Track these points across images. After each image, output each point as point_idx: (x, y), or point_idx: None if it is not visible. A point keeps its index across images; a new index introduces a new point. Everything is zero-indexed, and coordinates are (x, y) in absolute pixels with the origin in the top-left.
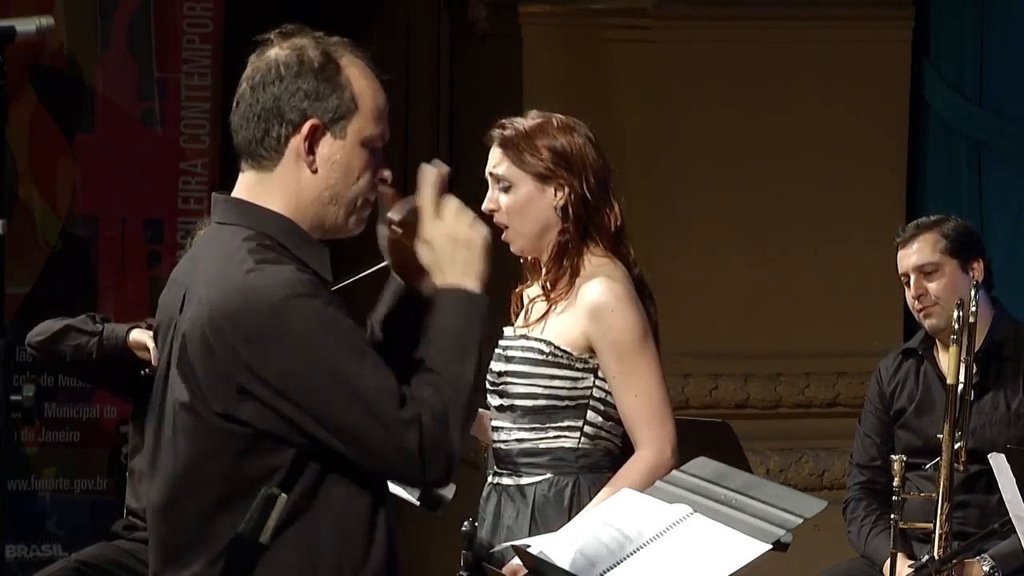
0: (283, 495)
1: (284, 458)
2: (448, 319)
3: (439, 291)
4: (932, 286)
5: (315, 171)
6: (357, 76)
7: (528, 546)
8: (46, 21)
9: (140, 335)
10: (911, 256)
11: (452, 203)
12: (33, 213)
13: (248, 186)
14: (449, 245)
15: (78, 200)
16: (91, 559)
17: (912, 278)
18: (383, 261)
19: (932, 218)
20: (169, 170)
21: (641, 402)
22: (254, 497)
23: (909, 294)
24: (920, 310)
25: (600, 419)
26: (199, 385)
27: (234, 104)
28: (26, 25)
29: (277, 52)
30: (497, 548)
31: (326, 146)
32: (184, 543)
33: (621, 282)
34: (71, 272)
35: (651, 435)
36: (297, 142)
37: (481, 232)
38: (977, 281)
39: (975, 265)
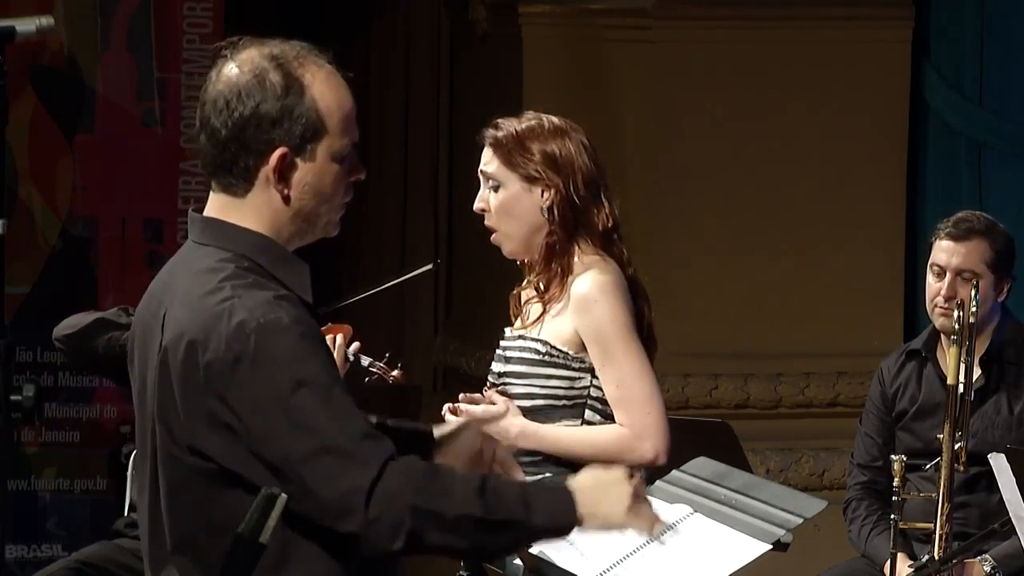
0: (283, 495)
1: (247, 504)
2: (540, 492)
3: (566, 479)
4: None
5: (287, 196)
6: (322, 91)
7: (528, 546)
8: (46, 21)
9: None
10: (956, 256)
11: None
12: (33, 213)
13: (221, 207)
14: (611, 489)
15: (78, 200)
16: (91, 558)
17: (948, 277)
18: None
19: (984, 219)
20: (169, 170)
21: (622, 392)
22: (217, 536)
23: (936, 285)
24: (940, 307)
25: (598, 418)
26: (177, 414)
27: (198, 124)
28: (26, 25)
29: (238, 76)
30: None
31: (297, 171)
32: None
33: (609, 275)
34: (71, 272)
35: (630, 421)
36: (267, 171)
37: (628, 520)
38: (975, 288)
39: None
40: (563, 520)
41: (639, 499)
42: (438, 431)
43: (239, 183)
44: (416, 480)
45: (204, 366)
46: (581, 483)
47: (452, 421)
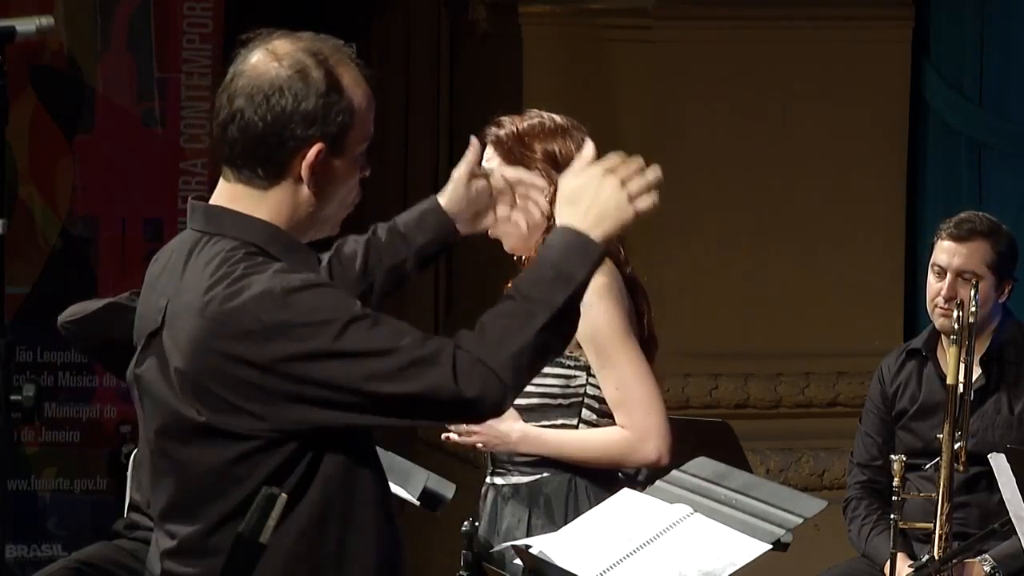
0: (283, 495)
1: (272, 462)
2: (554, 253)
3: (556, 228)
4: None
5: (315, 191)
6: (355, 91)
7: (528, 546)
8: (46, 21)
9: None
10: (958, 257)
11: (614, 164)
12: (33, 213)
13: (233, 196)
14: (594, 190)
15: (78, 200)
16: (91, 559)
17: (948, 277)
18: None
19: (987, 220)
20: (169, 170)
21: (622, 394)
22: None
23: (936, 285)
24: (940, 307)
25: (595, 417)
26: (198, 397)
27: (227, 117)
28: (26, 25)
29: (277, 69)
30: (497, 548)
31: (328, 168)
32: (188, 551)
33: (604, 276)
34: (71, 272)
35: (632, 423)
36: (301, 166)
37: (632, 208)
38: (975, 288)
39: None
40: (591, 255)
41: (627, 179)
42: (443, 200)
43: (266, 176)
44: (481, 345)
45: (234, 343)
46: (574, 207)
47: (452, 179)
